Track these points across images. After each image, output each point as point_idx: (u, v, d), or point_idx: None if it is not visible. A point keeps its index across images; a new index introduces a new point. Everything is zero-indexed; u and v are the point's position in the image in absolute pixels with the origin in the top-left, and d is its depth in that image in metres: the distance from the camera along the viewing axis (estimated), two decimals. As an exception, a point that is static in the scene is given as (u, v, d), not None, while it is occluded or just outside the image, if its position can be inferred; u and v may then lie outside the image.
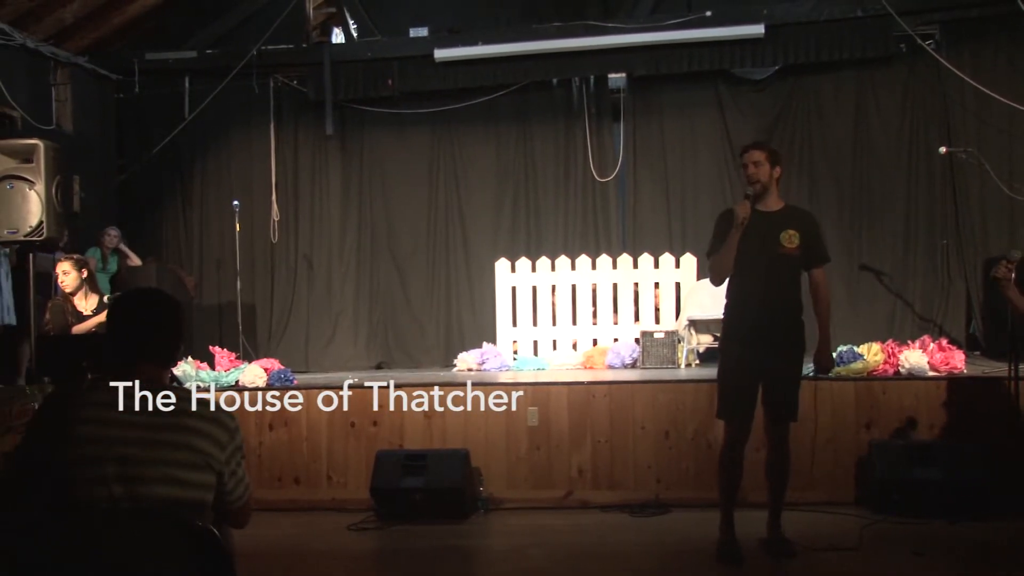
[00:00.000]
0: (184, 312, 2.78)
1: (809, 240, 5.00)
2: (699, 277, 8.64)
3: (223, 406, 2.66)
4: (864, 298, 9.21)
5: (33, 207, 7.29)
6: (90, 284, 6.97)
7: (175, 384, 6.17)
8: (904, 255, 9.08)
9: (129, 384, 2.54)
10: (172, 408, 2.52)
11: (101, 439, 2.44)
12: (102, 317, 6.68)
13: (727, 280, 5.08)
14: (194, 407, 2.57)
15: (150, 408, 2.52)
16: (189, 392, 2.67)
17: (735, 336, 5.02)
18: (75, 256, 7.27)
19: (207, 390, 6.95)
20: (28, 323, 6.77)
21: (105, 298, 7.78)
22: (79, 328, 6.78)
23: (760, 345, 4.89)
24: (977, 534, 5.40)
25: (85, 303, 6.80)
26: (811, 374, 5.37)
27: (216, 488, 2.57)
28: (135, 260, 9.39)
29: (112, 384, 2.55)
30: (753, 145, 5.23)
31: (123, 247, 9.38)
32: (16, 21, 8.68)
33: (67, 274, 6.82)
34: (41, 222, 7.29)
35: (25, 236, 7.31)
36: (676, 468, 6.42)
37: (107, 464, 2.40)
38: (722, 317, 5.14)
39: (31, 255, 7.25)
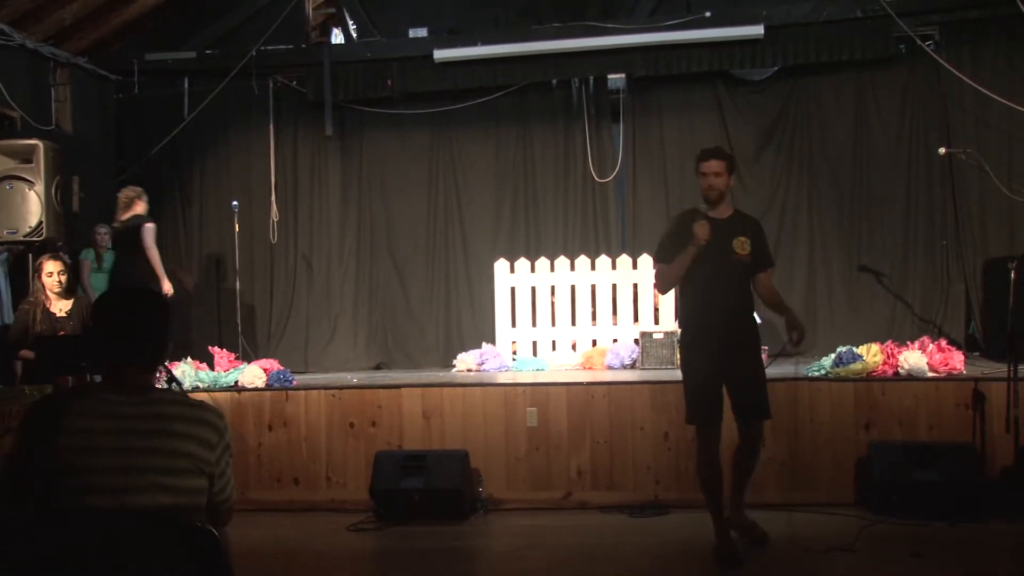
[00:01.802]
0: (170, 311, 2.68)
1: (758, 245, 5.16)
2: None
3: (210, 404, 2.59)
4: (863, 299, 9.21)
5: (33, 207, 7.31)
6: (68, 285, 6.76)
7: (173, 383, 6.17)
8: (903, 256, 9.08)
9: (112, 391, 2.47)
10: (157, 413, 2.45)
11: (84, 449, 2.36)
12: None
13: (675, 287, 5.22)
14: (180, 410, 2.49)
15: (135, 415, 2.44)
16: (175, 394, 2.61)
17: (696, 342, 5.12)
18: (60, 255, 7.09)
19: (206, 390, 6.96)
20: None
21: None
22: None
23: (720, 349, 5.02)
24: (976, 535, 5.41)
25: (61, 304, 6.61)
26: (788, 349, 5.41)
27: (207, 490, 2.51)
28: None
29: (95, 391, 2.48)
30: (712, 153, 5.26)
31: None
32: (16, 21, 8.68)
33: (63, 274, 6.58)
34: (41, 222, 7.31)
35: (25, 236, 7.33)
36: (675, 469, 6.42)
37: (92, 475, 2.33)
38: (682, 326, 5.26)
39: (30, 255, 7.25)
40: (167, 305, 2.68)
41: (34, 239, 7.35)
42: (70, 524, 2.28)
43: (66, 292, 6.61)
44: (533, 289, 8.99)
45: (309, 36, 10.15)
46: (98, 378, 2.67)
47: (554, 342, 8.91)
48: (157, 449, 2.40)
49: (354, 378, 8.03)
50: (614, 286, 8.88)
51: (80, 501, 2.32)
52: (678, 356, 5.27)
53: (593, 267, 8.94)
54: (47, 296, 6.54)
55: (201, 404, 2.57)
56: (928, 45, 8.79)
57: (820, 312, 9.31)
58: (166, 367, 6.29)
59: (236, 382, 7.07)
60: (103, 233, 9.04)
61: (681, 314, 5.26)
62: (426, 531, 5.99)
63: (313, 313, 10.16)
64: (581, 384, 6.71)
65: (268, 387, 7.02)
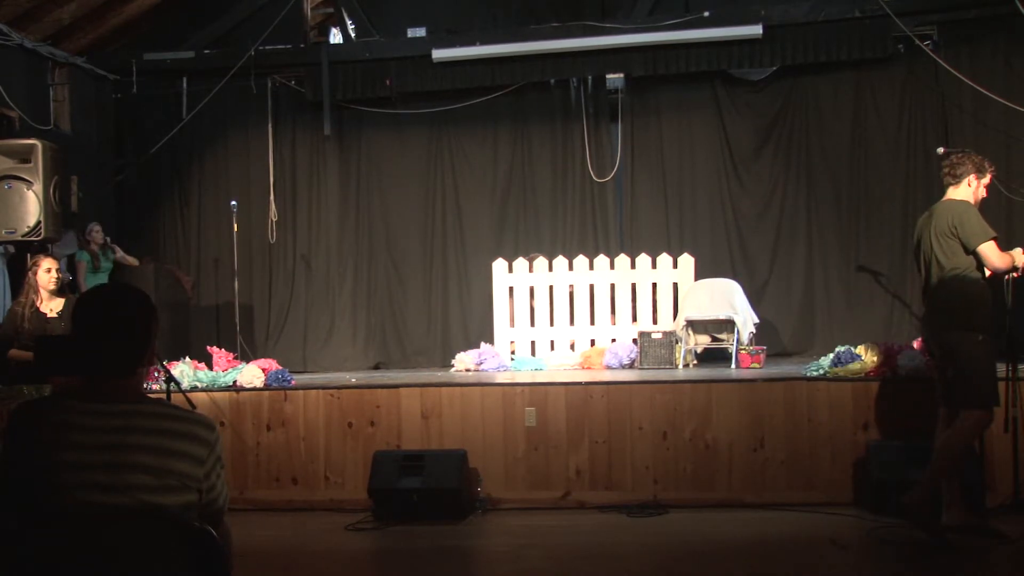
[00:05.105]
0: (155, 313, 2.45)
1: None
2: (697, 277, 8.65)
3: (200, 414, 2.41)
4: (862, 299, 9.22)
5: (31, 207, 7.29)
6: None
7: (172, 383, 6.16)
8: (901, 256, 9.07)
9: (92, 399, 2.29)
10: (143, 427, 2.27)
11: (60, 466, 2.20)
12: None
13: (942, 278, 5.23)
14: (168, 424, 2.30)
15: (118, 427, 2.26)
16: (162, 405, 2.41)
17: (990, 329, 5.20)
18: (53, 255, 7.01)
19: (204, 390, 6.95)
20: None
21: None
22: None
23: None
24: (974, 535, 5.40)
25: (51, 304, 6.53)
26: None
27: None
28: (131, 260, 9.33)
29: (72, 400, 2.30)
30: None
31: (116, 249, 9.23)
32: (14, 21, 8.68)
33: (60, 271, 6.40)
34: (39, 222, 7.29)
35: (23, 236, 7.31)
36: (674, 469, 6.41)
37: (73, 491, 2.19)
38: (969, 311, 5.17)
39: (28, 255, 7.22)
40: (149, 305, 2.44)
41: (32, 239, 7.34)
42: (66, 523, 2.23)
43: (59, 292, 6.51)
44: (531, 289, 9.00)
45: (307, 36, 10.16)
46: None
47: (552, 342, 8.92)
48: (137, 466, 2.23)
49: (352, 378, 8.03)
50: (612, 286, 8.89)
51: (57, 521, 2.20)
52: (964, 341, 5.16)
53: (591, 267, 8.94)
54: (39, 296, 6.46)
55: (190, 416, 2.38)
56: (926, 45, 8.79)
57: (818, 312, 9.33)
58: (164, 367, 6.28)
59: (235, 382, 7.05)
60: (98, 231, 8.94)
61: (978, 303, 5.20)
62: (424, 531, 5.99)
63: (311, 313, 10.17)
64: (579, 384, 6.70)
65: (267, 387, 7.01)
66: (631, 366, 8.17)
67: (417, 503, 6.19)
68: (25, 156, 7.38)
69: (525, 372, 8.18)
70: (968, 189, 5.38)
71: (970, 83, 8.55)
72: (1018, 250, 5.27)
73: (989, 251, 5.13)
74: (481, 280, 9.56)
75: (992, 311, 5.21)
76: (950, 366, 5.22)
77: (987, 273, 5.26)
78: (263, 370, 7.15)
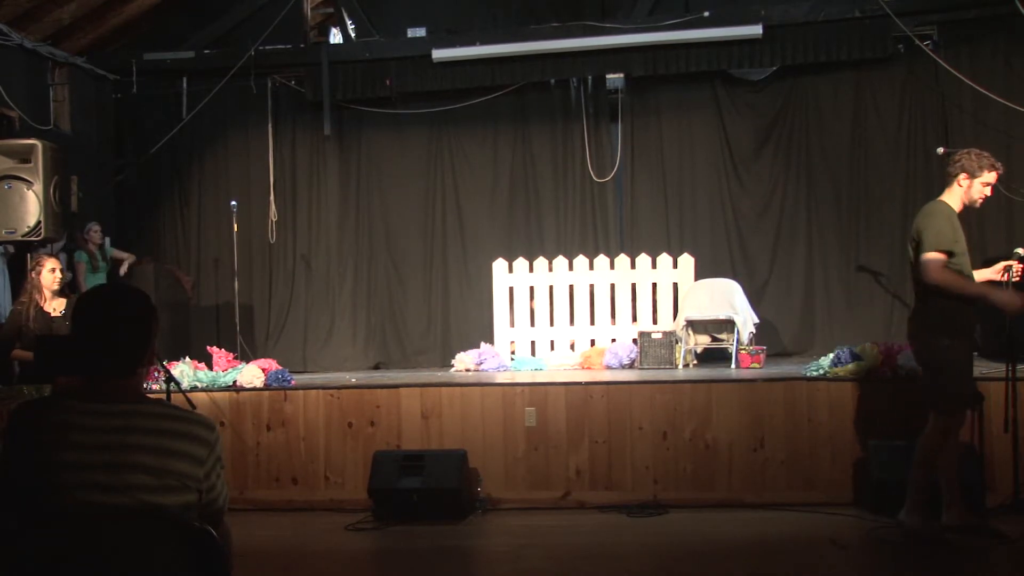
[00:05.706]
0: (155, 312, 2.47)
1: None
2: (697, 277, 8.65)
3: (200, 415, 2.42)
4: (861, 299, 9.22)
5: (31, 207, 7.29)
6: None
7: (171, 384, 6.16)
8: (901, 256, 9.01)
9: (92, 399, 2.31)
10: (143, 427, 2.28)
11: (60, 466, 2.21)
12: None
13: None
14: (168, 424, 2.31)
15: (118, 427, 2.27)
16: (162, 406, 2.41)
17: (964, 332, 5.12)
18: (52, 254, 7.01)
19: (204, 390, 6.95)
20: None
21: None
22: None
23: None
24: (974, 535, 5.40)
25: (54, 304, 6.53)
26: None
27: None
28: (128, 257, 9.25)
29: (72, 400, 2.31)
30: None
31: (123, 263, 9.18)
32: (14, 21, 8.68)
33: (59, 271, 6.44)
34: (39, 222, 7.30)
35: (23, 236, 7.32)
36: (674, 469, 6.42)
37: (73, 491, 2.20)
38: (939, 317, 5.10)
39: (28, 255, 7.23)
40: (149, 305, 2.45)
41: (33, 239, 7.34)
42: (66, 523, 2.24)
43: (60, 291, 6.52)
44: (531, 289, 9.00)
45: (307, 36, 10.16)
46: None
47: (552, 342, 8.92)
48: (137, 466, 2.24)
49: (352, 378, 8.03)
50: (612, 286, 8.89)
51: (55, 522, 2.21)
52: (928, 345, 5.14)
53: (591, 267, 8.95)
54: (42, 295, 6.47)
55: (190, 416, 2.39)
56: (926, 45, 8.79)
57: (818, 312, 9.33)
58: (164, 367, 6.28)
59: (235, 382, 7.06)
60: (97, 231, 8.90)
61: (949, 308, 5.11)
62: (424, 531, 5.99)
63: (311, 313, 10.17)
64: (579, 384, 6.71)
65: (267, 387, 7.01)
66: (631, 366, 8.17)
67: (417, 503, 6.19)
68: (25, 156, 7.38)
69: (525, 372, 8.18)
70: (958, 190, 5.37)
71: (970, 83, 8.55)
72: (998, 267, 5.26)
73: (929, 261, 5.05)
74: (481, 280, 9.56)
75: (967, 316, 5.14)
76: (922, 368, 5.25)
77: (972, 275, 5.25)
78: (263, 370, 7.16)
